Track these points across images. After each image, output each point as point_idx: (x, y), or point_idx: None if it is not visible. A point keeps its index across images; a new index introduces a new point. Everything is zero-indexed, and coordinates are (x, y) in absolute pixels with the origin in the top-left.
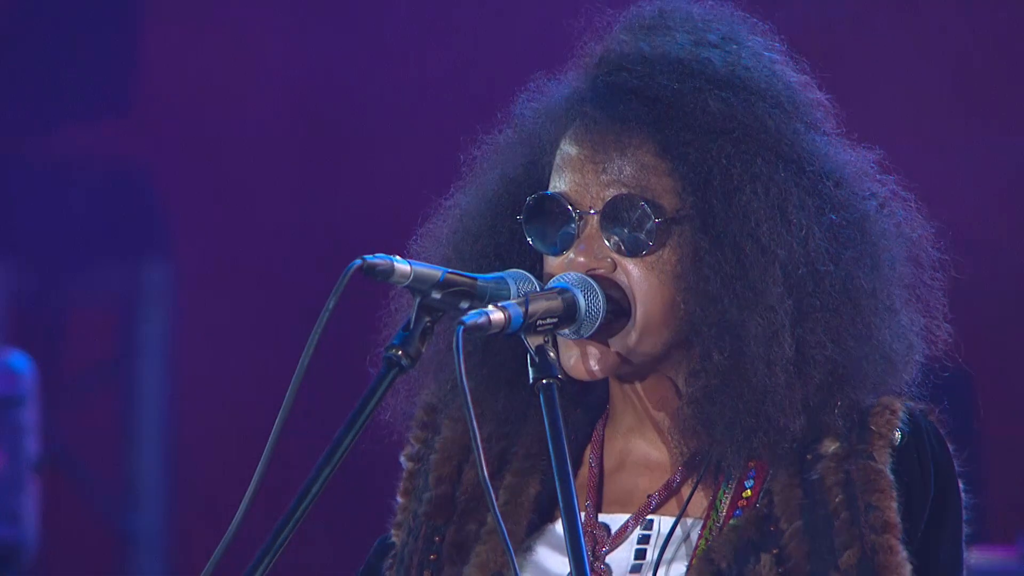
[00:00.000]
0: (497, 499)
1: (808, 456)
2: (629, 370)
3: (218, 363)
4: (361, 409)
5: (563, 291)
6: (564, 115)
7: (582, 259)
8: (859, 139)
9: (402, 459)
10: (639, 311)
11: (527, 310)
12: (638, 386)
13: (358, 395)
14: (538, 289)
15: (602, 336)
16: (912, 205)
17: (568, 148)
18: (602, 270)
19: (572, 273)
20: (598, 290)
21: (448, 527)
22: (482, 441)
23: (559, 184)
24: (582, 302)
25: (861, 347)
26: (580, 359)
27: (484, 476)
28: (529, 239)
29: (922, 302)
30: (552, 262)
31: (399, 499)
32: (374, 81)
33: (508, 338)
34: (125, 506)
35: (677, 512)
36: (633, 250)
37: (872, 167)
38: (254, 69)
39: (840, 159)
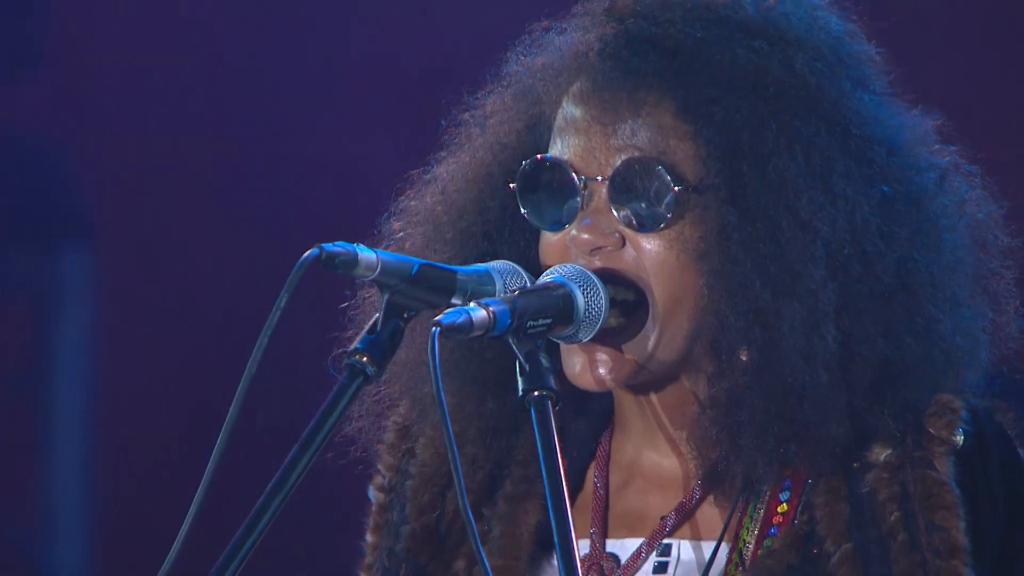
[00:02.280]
0: (490, 531)
1: (855, 464)
2: (646, 379)
3: (150, 368)
4: (319, 425)
5: (558, 287)
6: (568, 70)
7: (586, 235)
8: (916, 101)
9: (371, 491)
10: (655, 292)
11: (515, 309)
12: (651, 390)
13: (317, 407)
14: (528, 284)
15: (613, 340)
16: (978, 181)
17: (572, 108)
18: (610, 247)
19: (569, 265)
20: (599, 286)
21: (432, 565)
22: (466, 462)
23: (561, 148)
24: (580, 300)
25: (918, 343)
26: (587, 366)
27: (465, 506)
28: (524, 212)
29: (989, 294)
30: (550, 239)
31: (368, 537)
32: (329, 33)
33: (494, 341)
34: (39, 540)
35: (698, 534)
36: (648, 224)
37: (931, 135)
38: (188, 24)
39: (893, 123)
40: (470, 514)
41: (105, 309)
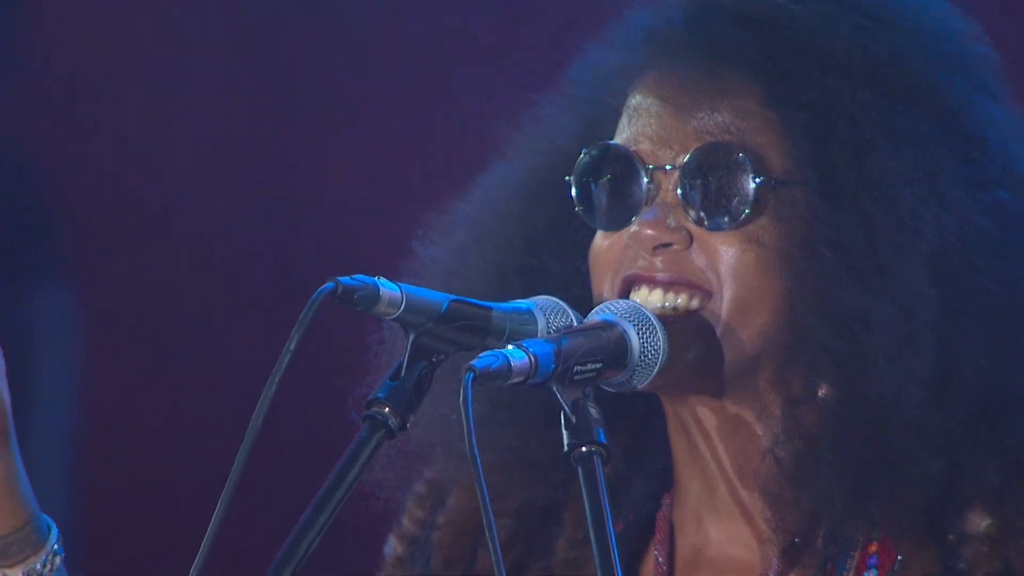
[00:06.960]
0: None
1: (950, 536)
2: (696, 386)
3: (140, 417)
4: (336, 485)
5: (609, 326)
6: (639, 53)
7: (649, 231)
8: None
9: (388, 544)
10: (725, 299)
11: (560, 352)
12: (711, 432)
13: (333, 461)
14: (575, 323)
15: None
16: None
17: (642, 95)
18: (676, 245)
19: (621, 301)
20: (656, 325)
21: None
22: (509, 513)
23: (628, 135)
24: (635, 341)
25: None
26: None
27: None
28: (577, 208)
29: None
30: (603, 244)
31: None
32: (346, 15)
33: (535, 389)
34: None
35: None
36: (722, 220)
37: None
38: (178, 14)
39: (1013, 133)
40: None
41: (89, 353)
